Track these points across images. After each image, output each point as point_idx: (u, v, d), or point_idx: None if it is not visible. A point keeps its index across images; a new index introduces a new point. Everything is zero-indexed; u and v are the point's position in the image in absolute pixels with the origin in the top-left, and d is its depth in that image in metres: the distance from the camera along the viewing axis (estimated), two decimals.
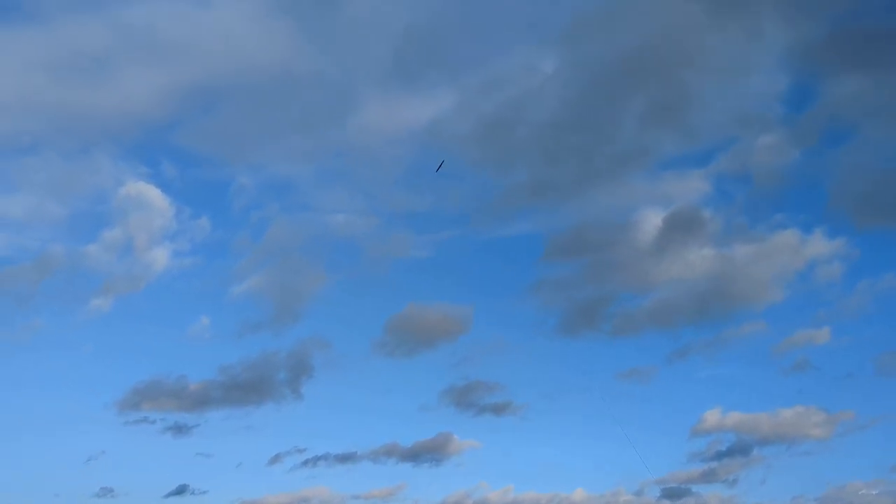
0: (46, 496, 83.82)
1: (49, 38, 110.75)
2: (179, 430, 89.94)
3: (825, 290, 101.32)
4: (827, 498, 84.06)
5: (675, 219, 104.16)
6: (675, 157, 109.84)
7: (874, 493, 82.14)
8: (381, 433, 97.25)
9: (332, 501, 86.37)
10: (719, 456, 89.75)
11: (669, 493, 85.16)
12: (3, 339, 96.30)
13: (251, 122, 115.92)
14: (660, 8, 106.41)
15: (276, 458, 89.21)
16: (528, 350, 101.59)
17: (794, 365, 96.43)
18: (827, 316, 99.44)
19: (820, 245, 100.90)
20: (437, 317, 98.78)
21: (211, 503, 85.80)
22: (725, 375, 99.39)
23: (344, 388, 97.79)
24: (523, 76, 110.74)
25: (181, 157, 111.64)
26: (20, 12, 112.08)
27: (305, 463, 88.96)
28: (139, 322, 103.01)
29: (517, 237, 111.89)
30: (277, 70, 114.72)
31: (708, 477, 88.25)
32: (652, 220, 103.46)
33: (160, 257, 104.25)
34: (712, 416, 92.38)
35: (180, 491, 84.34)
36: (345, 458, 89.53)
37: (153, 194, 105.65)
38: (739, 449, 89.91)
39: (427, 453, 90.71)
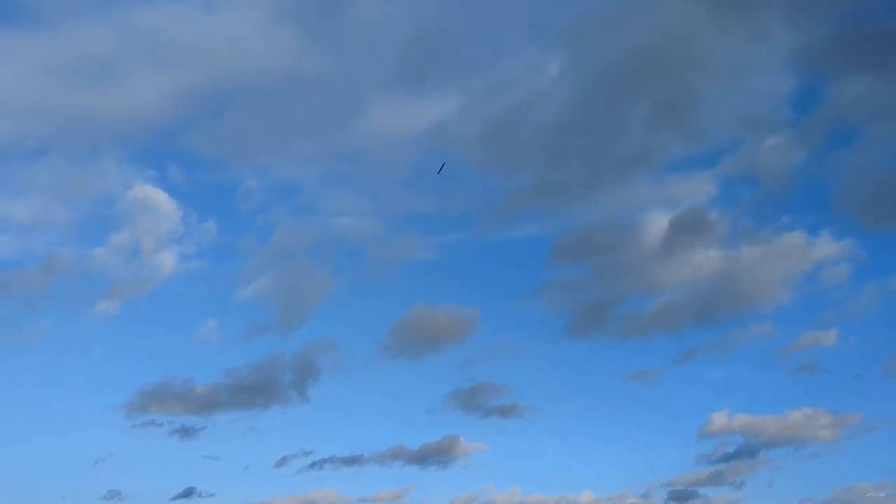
0: (53, 499, 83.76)
1: (55, 42, 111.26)
2: (186, 432, 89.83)
3: (832, 292, 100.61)
4: (834, 500, 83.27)
5: (681, 221, 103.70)
6: (682, 159, 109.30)
7: (882, 495, 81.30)
8: (388, 435, 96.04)
9: None
10: (726, 458, 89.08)
11: (676, 496, 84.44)
12: (11, 342, 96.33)
13: (257, 125, 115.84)
14: (665, 10, 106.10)
15: (282, 461, 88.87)
16: (535, 352, 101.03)
17: (802, 367, 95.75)
18: (834, 318, 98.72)
19: (827, 247, 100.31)
20: (444, 319, 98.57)
21: None
22: (732, 377, 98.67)
23: (350, 390, 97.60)
24: (528, 79, 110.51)
25: (188, 161, 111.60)
26: (27, 17, 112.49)
27: (312, 465, 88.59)
28: (146, 325, 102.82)
29: (523, 239, 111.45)
30: (283, 73, 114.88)
31: (715, 479, 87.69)
32: (658, 222, 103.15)
33: (167, 260, 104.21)
34: (719, 418, 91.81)
35: (187, 494, 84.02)
36: (351, 461, 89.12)
37: (160, 198, 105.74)
38: (747, 451, 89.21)
39: (434, 456, 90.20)
